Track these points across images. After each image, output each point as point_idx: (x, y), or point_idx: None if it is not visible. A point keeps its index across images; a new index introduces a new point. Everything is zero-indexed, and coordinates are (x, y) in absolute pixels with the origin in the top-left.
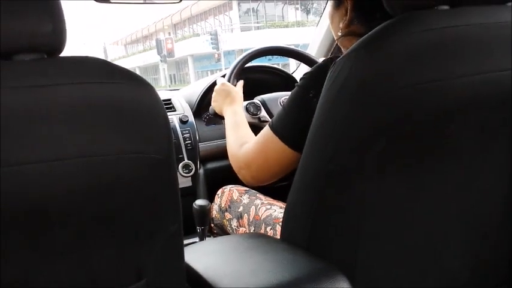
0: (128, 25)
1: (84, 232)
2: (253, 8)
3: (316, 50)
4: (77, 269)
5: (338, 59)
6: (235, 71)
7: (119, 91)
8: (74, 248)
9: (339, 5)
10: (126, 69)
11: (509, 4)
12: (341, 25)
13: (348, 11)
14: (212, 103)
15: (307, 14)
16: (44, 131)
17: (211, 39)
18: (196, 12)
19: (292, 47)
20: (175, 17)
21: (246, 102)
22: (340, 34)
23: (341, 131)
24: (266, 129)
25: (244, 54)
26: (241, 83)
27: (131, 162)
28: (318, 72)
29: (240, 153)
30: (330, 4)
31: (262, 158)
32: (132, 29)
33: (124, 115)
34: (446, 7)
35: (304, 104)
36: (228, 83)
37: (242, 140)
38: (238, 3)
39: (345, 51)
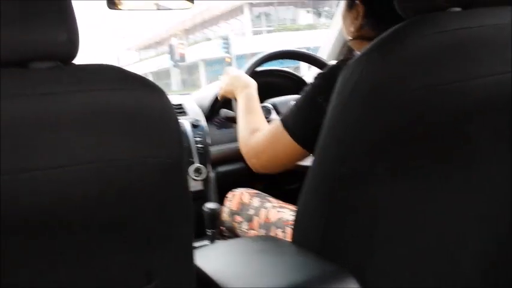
0: (141, 31)
1: (95, 238)
2: (265, 12)
3: (327, 52)
4: (87, 274)
5: (350, 61)
6: (248, 70)
7: (131, 97)
8: (84, 254)
9: (352, 6)
10: (139, 75)
11: None
12: (351, 29)
13: (360, 16)
14: (222, 90)
15: (319, 16)
16: (55, 138)
17: (223, 43)
18: (208, 17)
19: (304, 50)
20: (188, 23)
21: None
22: (350, 38)
23: (353, 134)
24: (277, 123)
25: (256, 57)
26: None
27: (143, 167)
28: (331, 74)
29: (250, 142)
30: (343, 4)
31: (271, 150)
32: (145, 34)
33: (136, 121)
34: (458, 9)
35: (315, 104)
36: (237, 70)
37: (253, 127)
38: (250, 8)
39: (355, 53)
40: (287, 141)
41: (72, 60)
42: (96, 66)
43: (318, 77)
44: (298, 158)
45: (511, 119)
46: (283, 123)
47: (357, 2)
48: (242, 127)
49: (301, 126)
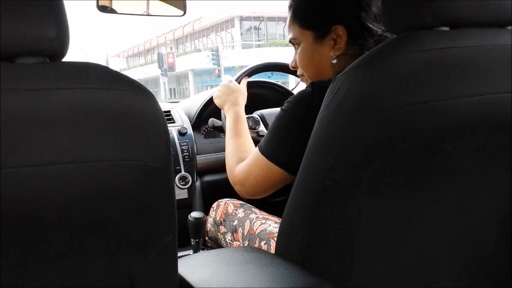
0: (130, 38)
1: (77, 239)
2: (255, 26)
3: None
4: (68, 276)
5: (338, 75)
6: (243, 76)
7: (119, 98)
8: (66, 255)
9: (324, 36)
10: (127, 76)
11: (509, 28)
12: (331, 53)
13: (342, 38)
14: (214, 96)
15: None
16: (40, 134)
17: (212, 55)
18: (198, 28)
19: None
20: (178, 32)
21: (246, 116)
22: (334, 61)
23: (337, 148)
24: (255, 151)
25: (248, 67)
26: (245, 81)
27: (129, 169)
28: (302, 98)
29: (235, 171)
30: (305, 43)
31: (254, 177)
32: (134, 42)
33: (124, 122)
34: (446, 28)
35: (288, 128)
36: (234, 81)
37: (240, 154)
38: (241, 21)
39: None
40: (266, 167)
41: (61, 57)
42: (84, 64)
43: (289, 102)
44: (280, 181)
45: (500, 140)
46: (260, 149)
47: (334, 27)
48: (229, 154)
49: (278, 149)
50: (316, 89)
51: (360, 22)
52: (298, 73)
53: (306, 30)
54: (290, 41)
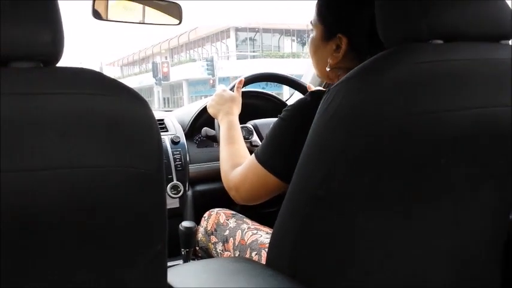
0: (125, 47)
1: (67, 245)
2: (250, 37)
3: (309, 80)
4: (58, 283)
5: (332, 86)
6: (238, 82)
7: (113, 104)
8: (55, 262)
9: (329, 38)
10: (121, 83)
11: (502, 42)
12: (330, 60)
13: (342, 49)
14: (208, 105)
15: (303, 46)
16: (33, 139)
17: (207, 65)
18: (194, 38)
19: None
20: (173, 42)
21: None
22: (328, 69)
23: (330, 159)
24: (251, 157)
25: (246, 75)
26: (239, 90)
27: (120, 176)
28: (300, 106)
29: (230, 176)
30: (316, 33)
31: (249, 184)
32: (129, 50)
33: (117, 128)
34: (440, 41)
35: (285, 136)
36: (229, 91)
37: (235, 159)
38: (236, 32)
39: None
40: (262, 174)
41: (55, 62)
42: (78, 69)
43: (287, 110)
44: (275, 189)
45: (493, 154)
46: (256, 156)
47: (339, 35)
48: (223, 160)
49: (274, 157)
50: (315, 98)
51: (370, 41)
52: None
53: (319, 22)
54: (311, 23)
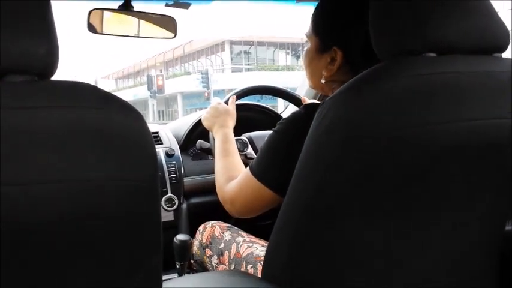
0: (120, 60)
1: (62, 260)
2: (245, 51)
3: (303, 93)
4: None
5: (326, 99)
6: (232, 97)
7: (108, 117)
8: (50, 276)
9: (324, 50)
10: (116, 96)
11: (495, 55)
12: (324, 73)
13: (337, 62)
14: (203, 118)
15: (297, 59)
16: (28, 153)
17: (202, 78)
18: (188, 51)
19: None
20: (168, 55)
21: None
22: (322, 81)
23: (325, 172)
24: (246, 171)
25: (241, 88)
26: (233, 103)
27: (116, 188)
28: (294, 119)
29: (225, 189)
30: (311, 45)
31: (244, 197)
32: (124, 64)
33: (112, 141)
34: (433, 54)
35: (279, 149)
36: (224, 103)
37: (230, 172)
38: (231, 45)
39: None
40: (256, 187)
41: (50, 75)
42: (73, 83)
43: (281, 123)
44: (270, 202)
45: (489, 166)
46: (251, 169)
47: (334, 48)
48: (218, 172)
49: (268, 171)
50: (309, 111)
51: (364, 54)
52: None
53: (314, 34)
54: (306, 34)
